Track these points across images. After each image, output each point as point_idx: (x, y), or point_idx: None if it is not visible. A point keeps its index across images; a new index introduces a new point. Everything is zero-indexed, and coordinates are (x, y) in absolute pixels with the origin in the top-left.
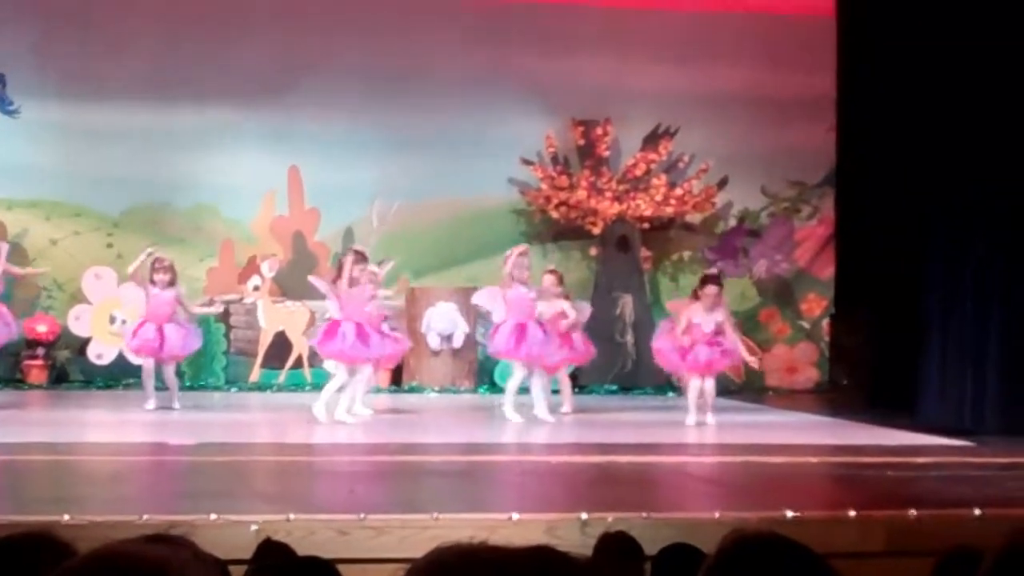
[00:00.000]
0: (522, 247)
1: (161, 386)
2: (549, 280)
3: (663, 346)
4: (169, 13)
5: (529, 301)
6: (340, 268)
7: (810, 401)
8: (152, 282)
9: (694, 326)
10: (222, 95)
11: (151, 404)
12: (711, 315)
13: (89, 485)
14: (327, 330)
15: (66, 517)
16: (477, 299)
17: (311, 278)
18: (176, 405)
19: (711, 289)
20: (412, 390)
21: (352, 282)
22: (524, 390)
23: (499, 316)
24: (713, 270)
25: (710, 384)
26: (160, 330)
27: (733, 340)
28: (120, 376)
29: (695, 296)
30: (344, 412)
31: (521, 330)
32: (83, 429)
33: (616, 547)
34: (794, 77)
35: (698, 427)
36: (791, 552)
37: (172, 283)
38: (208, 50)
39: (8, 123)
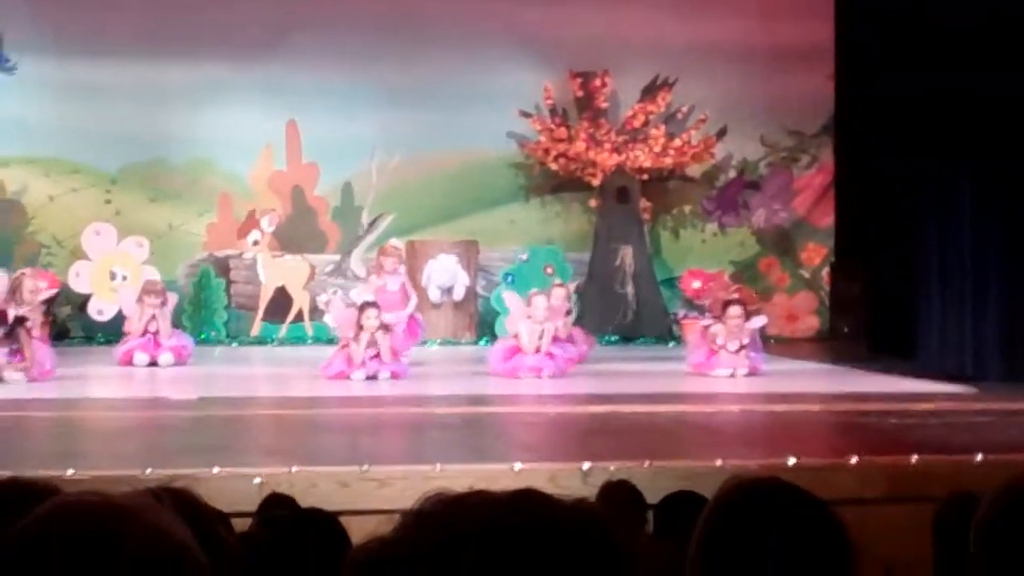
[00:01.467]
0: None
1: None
2: (560, 295)
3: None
4: None
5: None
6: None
7: (811, 349)
8: (142, 302)
9: (720, 351)
10: (219, 49)
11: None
12: (736, 337)
13: (92, 440)
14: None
15: (70, 472)
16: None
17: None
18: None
19: (734, 310)
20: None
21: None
22: None
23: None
24: (735, 295)
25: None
26: (156, 346)
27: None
28: (121, 332)
29: (716, 318)
30: None
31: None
32: (85, 385)
33: (618, 495)
34: (792, 25)
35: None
36: (791, 496)
37: (164, 303)
38: (204, 4)
39: (4, 80)
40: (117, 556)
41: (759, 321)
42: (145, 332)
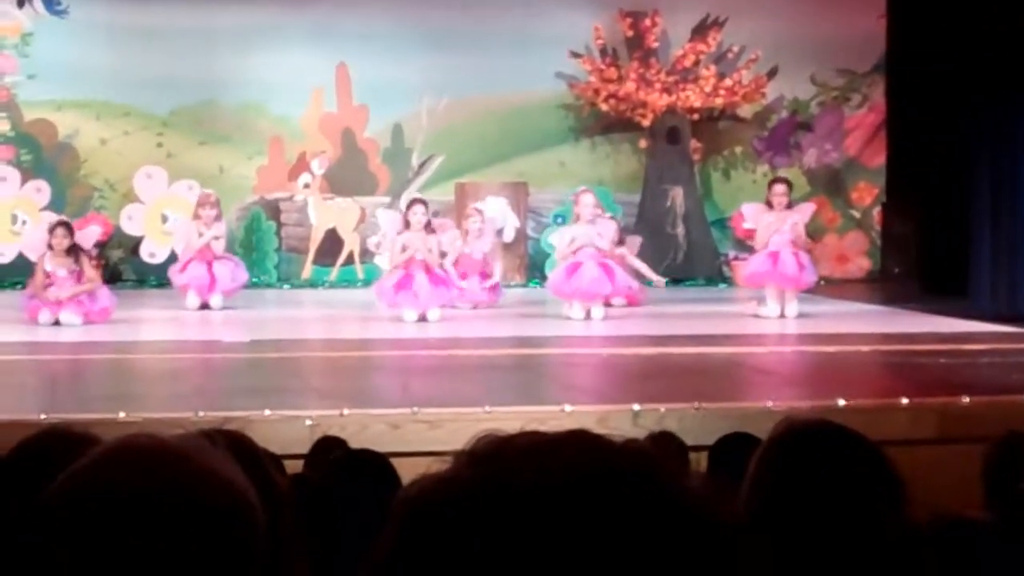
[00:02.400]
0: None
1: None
2: (610, 227)
3: (751, 269)
4: None
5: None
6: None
7: (861, 290)
8: (198, 217)
9: (771, 231)
10: None
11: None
12: (786, 217)
13: (144, 383)
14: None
15: (122, 415)
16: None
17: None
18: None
19: (779, 188)
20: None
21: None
22: None
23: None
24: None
25: (792, 307)
26: (210, 268)
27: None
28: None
29: (768, 204)
30: None
31: (574, 269)
32: (138, 328)
33: (662, 444)
34: None
35: (766, 319)
36: (843, 438)
37: (218, 217)
38: None
39: (56, 24)
40: (171, 499)
41: (808, 208)
42: (201, 252)
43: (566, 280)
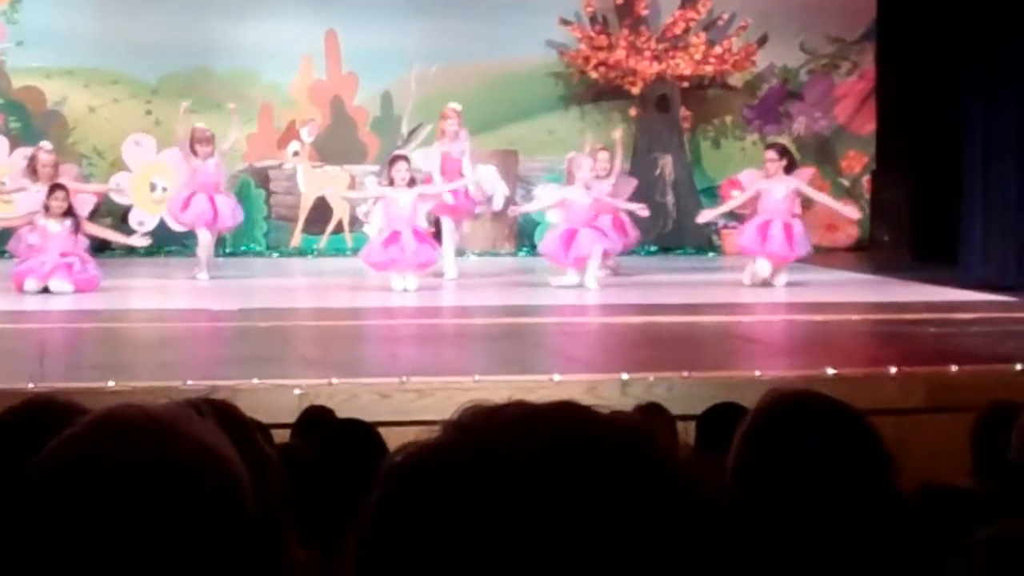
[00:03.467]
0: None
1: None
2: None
3: (741, 240)
4: None
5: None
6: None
7: (851, 259)
8: (194, 152)
9: (764, 197)
10: None
11: (205, 275)
12: (778, 184)
13: (133, 352)
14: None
15: (111, 383)
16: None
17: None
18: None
19: (769, 154)
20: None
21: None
22: None
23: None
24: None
25: (780, 277)
26: (212, 201)
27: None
28: (162, 244)
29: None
30: None
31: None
32: (126, 296)
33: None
34: None
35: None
36: (828, 408)
37: (212, 153)
38: None
39: None
40: (156, 470)
41: (805, 174)
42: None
43: (562, 248)
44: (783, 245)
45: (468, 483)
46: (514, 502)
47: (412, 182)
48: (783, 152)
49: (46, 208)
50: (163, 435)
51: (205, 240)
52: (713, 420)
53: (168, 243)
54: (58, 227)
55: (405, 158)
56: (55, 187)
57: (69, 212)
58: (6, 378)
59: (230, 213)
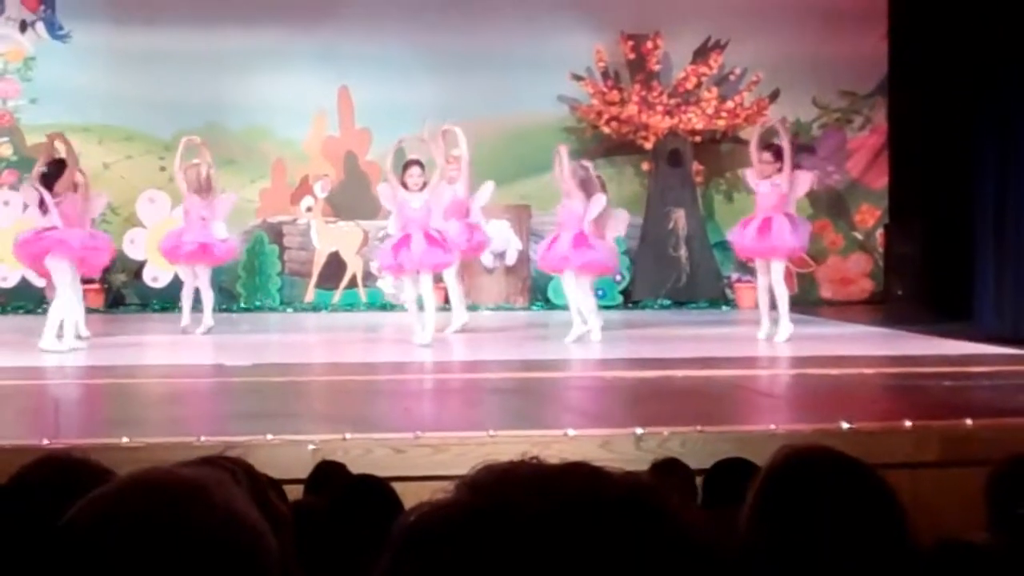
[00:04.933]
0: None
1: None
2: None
3: (735, 236)
4: None
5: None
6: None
7: (865, 312)
8: (192, 167)
9: (756, 194)
10: (270, 16)
11: (186, 321)
12: (770, 182)
13: (147, 408)
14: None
15: (125, 439)
16: None
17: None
18: (205, 327)
19: (764, 156)
20: (466, 308)
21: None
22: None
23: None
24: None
25: (780, 287)
26: (205, 235)
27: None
28: (176, 299)
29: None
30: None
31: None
32: (141, 352)
33: (668, 471)
34: None
35: (766, 340)
36: (841, 465)
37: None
38: None
39: (59, 48)
40: (186, 535)
41: (804, 178)
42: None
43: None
44: (776, 240)
45: (481, 543)
46: (526, 563)
47: (424, 187)
48: (778, 154)
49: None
50: (194, 500)
51: (189, 284)
52: (720, 477)
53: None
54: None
55: (419, 163)
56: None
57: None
58: (22, 434)
59: (224, 248)
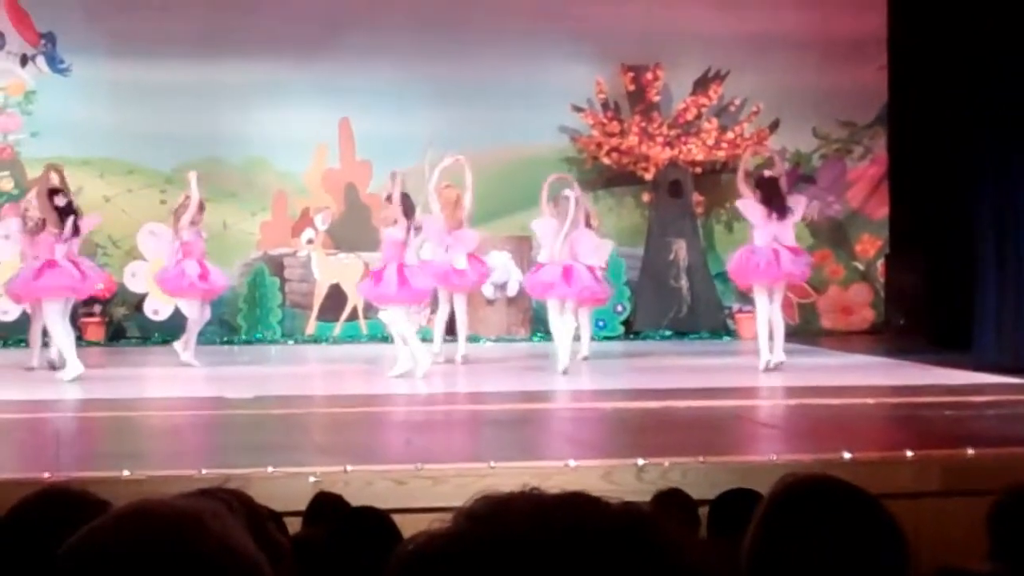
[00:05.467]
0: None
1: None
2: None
3: (736, 264)
4: None
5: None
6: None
7: (866, 342)
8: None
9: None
10: (270, 49)
11: (190, 356)
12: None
13: (148, 440)
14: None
15: (125, 472)
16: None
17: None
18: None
19: (758, 195)
20: (467, 339)
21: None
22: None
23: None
24: (767, 172)
25: (778, 316)
26: (201, 265)
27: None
28: (177, 332)
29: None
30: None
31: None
32: (141, 385)
33: (670, 502)
34: (844, 16)
35: (763, 371)
36: (843, 494)
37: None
38: (256, 3)
39: (60, 82)
40: (182, 566)
41: (800, 202)
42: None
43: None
44: (779, 266)
45: (479, 572)
46: None
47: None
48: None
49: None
50: (190, 531)
51: (194, 315)
52: (724, 507)
53: (183, 332)
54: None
55: (406, 195)
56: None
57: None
58: (22, 467)
59: (219, 274)
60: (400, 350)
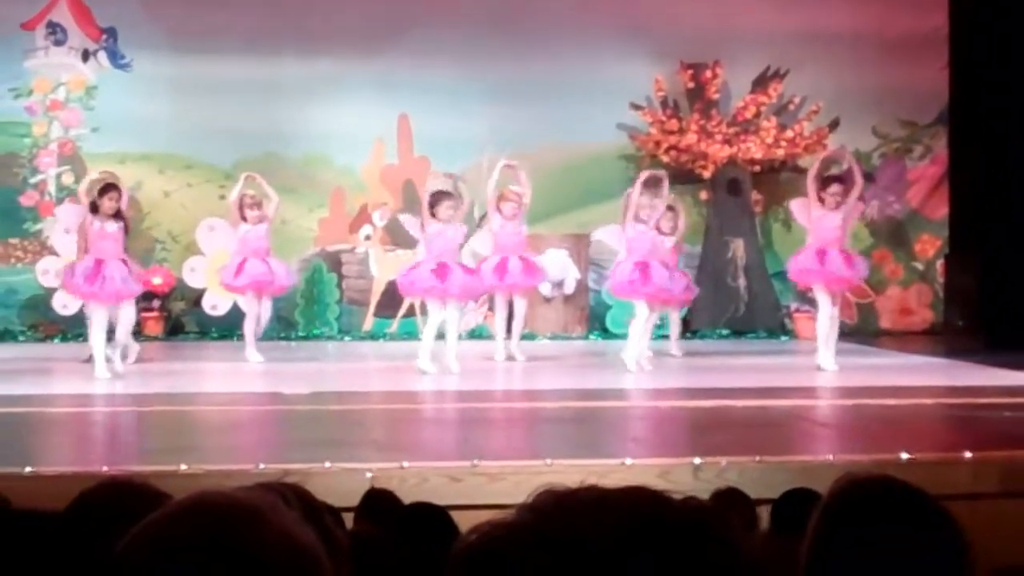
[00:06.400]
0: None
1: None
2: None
3: (798, 264)
4: None
5: (650, 239)
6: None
7: (924, 343)
8: (243, 218)
9: (821, 228)
10: (330, 45)
11: (256, 354)
12: (836, 215)
13: (205, 435)
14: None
15: (183, 466)
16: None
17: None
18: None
19: (834, 188)
20: (524, 337)
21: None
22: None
23: (621, 255)
24: (835, 171)
25: (835, 313)
26: (266, 263)
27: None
28: (235, 327)
29: (820, 201)
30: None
31: (644, 269)
32: (199, 379)
33: (728, 501)
34: (906, 14)
35: (818, 371)
36: (903, 494)
37: (261, 219)
38: (316, 0)
39: (120, 77)
40: (242, 557)
41: (857, 208)
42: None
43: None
44: (840, 268)
45: (542, 565)
46: None
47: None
48: (844, 184)
49: (95, 211)
50: (250, 523)
51: (253, 312)
52: (788, 506)
53: (238, 327)
54: (113, 227)
55: (450, 194)
56: (108, 187)
57: (119, 215)
58: (80, 461)
59: (284, 273)
60: (427, 345)
